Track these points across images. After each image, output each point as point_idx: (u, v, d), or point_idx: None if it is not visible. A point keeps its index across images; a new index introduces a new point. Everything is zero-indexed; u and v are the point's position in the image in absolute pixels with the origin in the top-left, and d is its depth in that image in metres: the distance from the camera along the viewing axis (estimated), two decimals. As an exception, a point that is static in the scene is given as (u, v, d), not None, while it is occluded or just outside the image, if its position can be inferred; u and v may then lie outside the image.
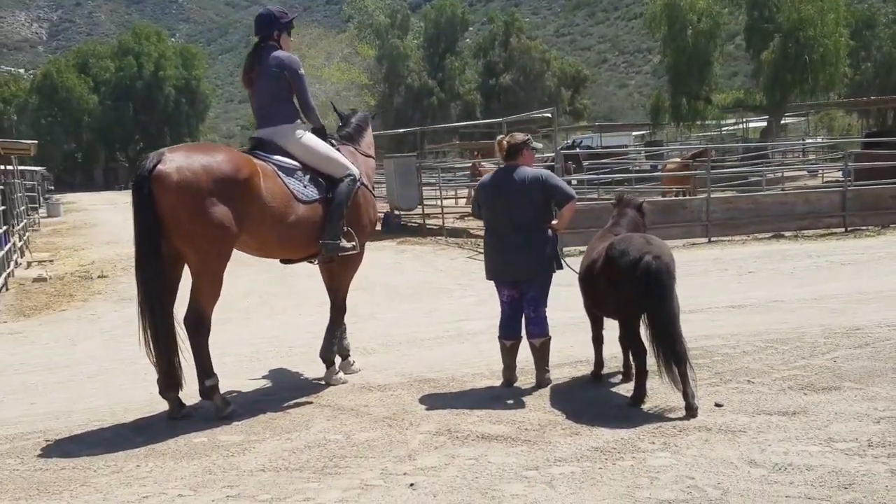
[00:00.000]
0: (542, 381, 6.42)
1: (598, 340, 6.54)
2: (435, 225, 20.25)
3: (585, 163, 28.07)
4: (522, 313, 6.45)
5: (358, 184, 6.70)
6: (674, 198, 19.37)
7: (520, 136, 6.59)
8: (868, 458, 4.62)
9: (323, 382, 6.77)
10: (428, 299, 11.15)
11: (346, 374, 6.95)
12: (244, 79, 6.67)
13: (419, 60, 69.33)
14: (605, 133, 47.20)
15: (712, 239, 15.51)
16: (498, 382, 6.53)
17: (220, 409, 5.90)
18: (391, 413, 5.83)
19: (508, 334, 6.47)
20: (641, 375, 5.83)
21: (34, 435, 5.73)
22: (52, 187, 57.59)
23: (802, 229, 16.00)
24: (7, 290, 13.34)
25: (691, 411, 5.50)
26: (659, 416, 5.54)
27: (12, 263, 15.21)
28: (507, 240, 6.35)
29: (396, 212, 20.98)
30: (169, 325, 5.73)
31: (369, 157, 7.32)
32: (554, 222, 6.47)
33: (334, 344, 6.83)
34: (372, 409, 5.95)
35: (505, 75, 70.06)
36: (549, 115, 15.77)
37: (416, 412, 5.84)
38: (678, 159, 24.95)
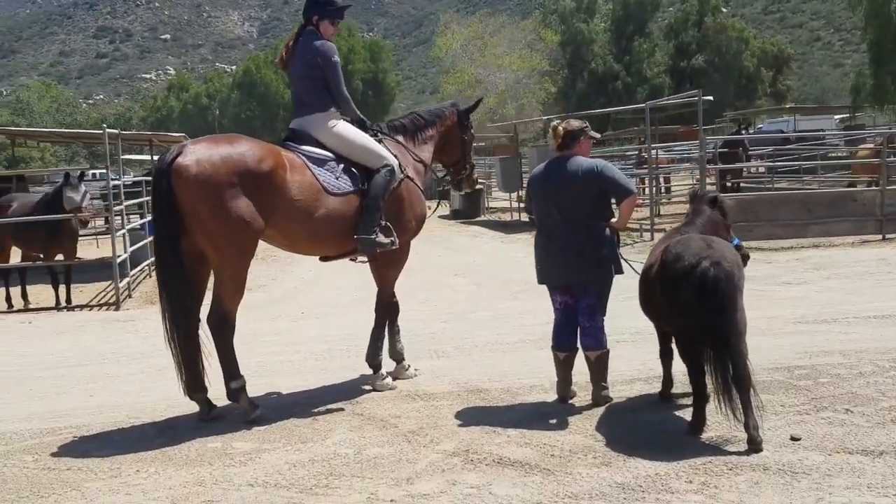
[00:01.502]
0: (598, 398, 5.73)
1: (666, 355, 5.74)
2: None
3: (765, 149, 26.14)
4: (577, 322, 5.78)
5: (400, 176, 6.25)
6: (845, 189, 17.45)
7: (576, 123, 5.88)
8: (944, 520, 3.69)
9: (369, 388, 6.40)
10: (533, 298, 10.40)
11: (400, 378, 6.56)
12: (279, 60, 6.41)
13: (604, 44, 67.72)
14: (803, 116, 43.60)
15: (887, 236, 13.73)
16: (554, 397, 5.90)
17: (246, 412, 5.69)
18: (418, 426, 5.39)
19: (562, 345, 5.81)
20: (700, 400, 5.05)
21: (67, 430, 5.75)
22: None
23: None
24: (150, 276, 13.94)
25: (754, 445, 4.69)
26: (715, 449, 4.76)
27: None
28: (559, 239, 5.68)
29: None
30: (191, 326, 5.55)
31: (420, 160, 6.70)
32: (613, 220, 5.74)
33: (380, 347, 6.44)
34: (402, 421, 5.53)
35: (698, 56, 67.11)
36: (696, 97, 14.49)
37: (445, 427, 5.36)
38: (871, 145, 22.59)
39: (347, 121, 6.31)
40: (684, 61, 67.27)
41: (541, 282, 5.92)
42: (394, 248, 6.17)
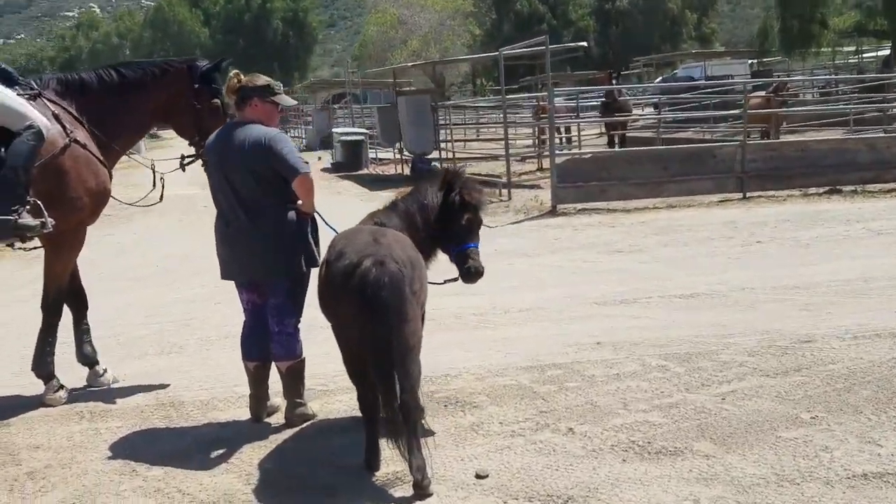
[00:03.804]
0: (291, 418, 4.83)
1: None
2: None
3: (663, 97, 25.29)
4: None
5: (64, 142, 5.13)
6: (704, 144, 16.70)
7: (261, 80, 4.79)
8: None
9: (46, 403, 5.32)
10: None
11: (94, 387, 5.56)
12: None
13: (530, -16, 66.42)
14: (713, 62, 42.62)
15: (748, 194, 13.03)
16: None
17: None
18: (46, 464, 4.39)
19: (251, 353, 4.86)
20: (371, 429, 4.18)
21: None
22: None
23: (865, 182, 13.25)
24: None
25: (420, 490, 3.85)
26: (379, 494, 3.89)
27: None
28: (237, 225, 4.70)
29: (425, 156, 19.17)
30: None
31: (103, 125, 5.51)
32: (300, 203, 4.76)
33: (50, 353, 5.38)
34: (34, 455, 4.51)
35: (622, -2, 66.31)
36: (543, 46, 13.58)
37: (78, 465, 4.37)
38: (762, 93, 21.96)
39: None
40: (609, 3, 66.36)
41: (224, 277, 4.94)
42: (46, 230, 5.02)
